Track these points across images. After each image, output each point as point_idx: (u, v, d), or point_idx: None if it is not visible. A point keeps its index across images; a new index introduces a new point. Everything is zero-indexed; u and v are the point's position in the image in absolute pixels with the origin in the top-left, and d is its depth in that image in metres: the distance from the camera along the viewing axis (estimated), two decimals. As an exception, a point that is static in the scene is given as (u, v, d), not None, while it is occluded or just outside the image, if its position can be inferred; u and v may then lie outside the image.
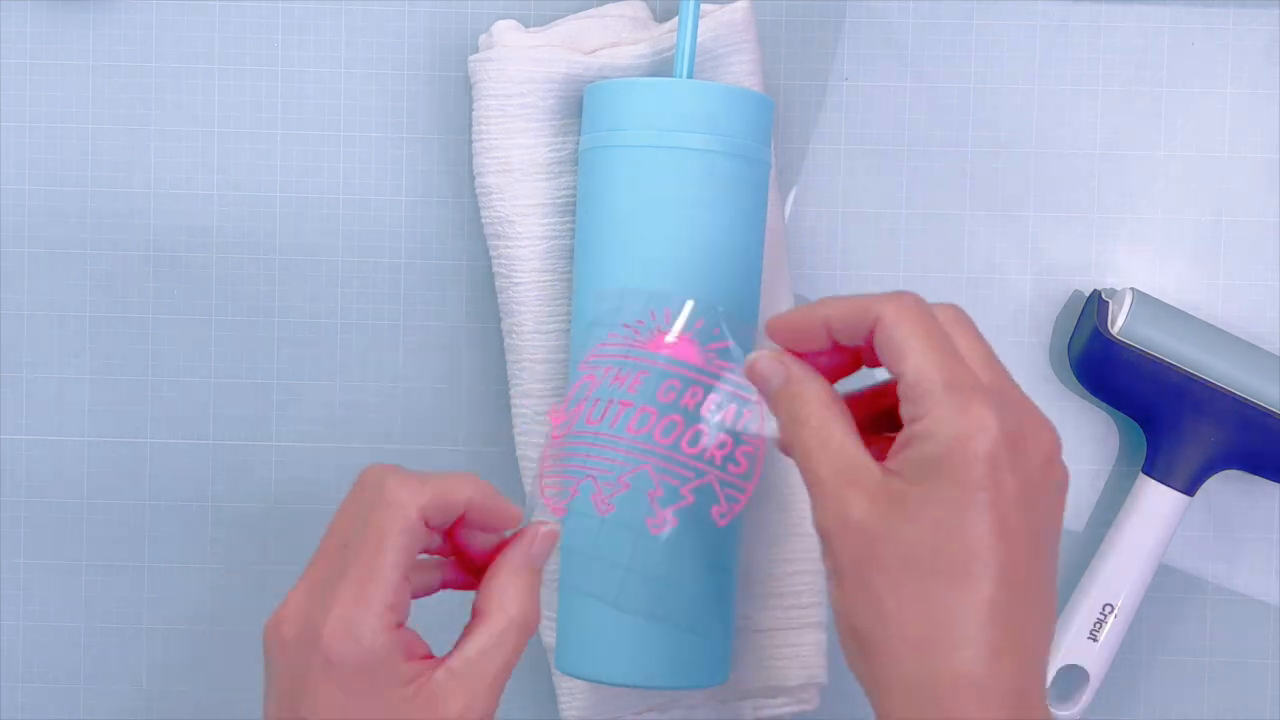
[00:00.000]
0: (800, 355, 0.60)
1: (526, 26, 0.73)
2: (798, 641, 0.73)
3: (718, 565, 0.68)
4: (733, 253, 0.68)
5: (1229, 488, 0.77)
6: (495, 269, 0.74)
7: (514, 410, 0.74)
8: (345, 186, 0.77)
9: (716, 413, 0.62)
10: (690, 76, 0.69)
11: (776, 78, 0.76)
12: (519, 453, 0.75)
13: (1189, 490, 0.74)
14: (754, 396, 0.62)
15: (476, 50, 0.74)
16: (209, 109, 0.77)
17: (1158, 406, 0.74)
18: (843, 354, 0.60)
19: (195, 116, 0.77)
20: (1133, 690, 0.78)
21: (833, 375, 0.60)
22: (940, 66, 0.77)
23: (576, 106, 0.72)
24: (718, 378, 0.62)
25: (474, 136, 0.73)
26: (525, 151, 0.72)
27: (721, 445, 0.62)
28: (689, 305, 0.63)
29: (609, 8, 0.74)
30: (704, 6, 0.72)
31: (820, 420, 0.58)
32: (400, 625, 0.58)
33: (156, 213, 0.77)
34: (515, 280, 0.73)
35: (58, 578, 0.78)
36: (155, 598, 0.78)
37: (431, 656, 0.59)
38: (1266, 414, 0.73)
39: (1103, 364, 0.74)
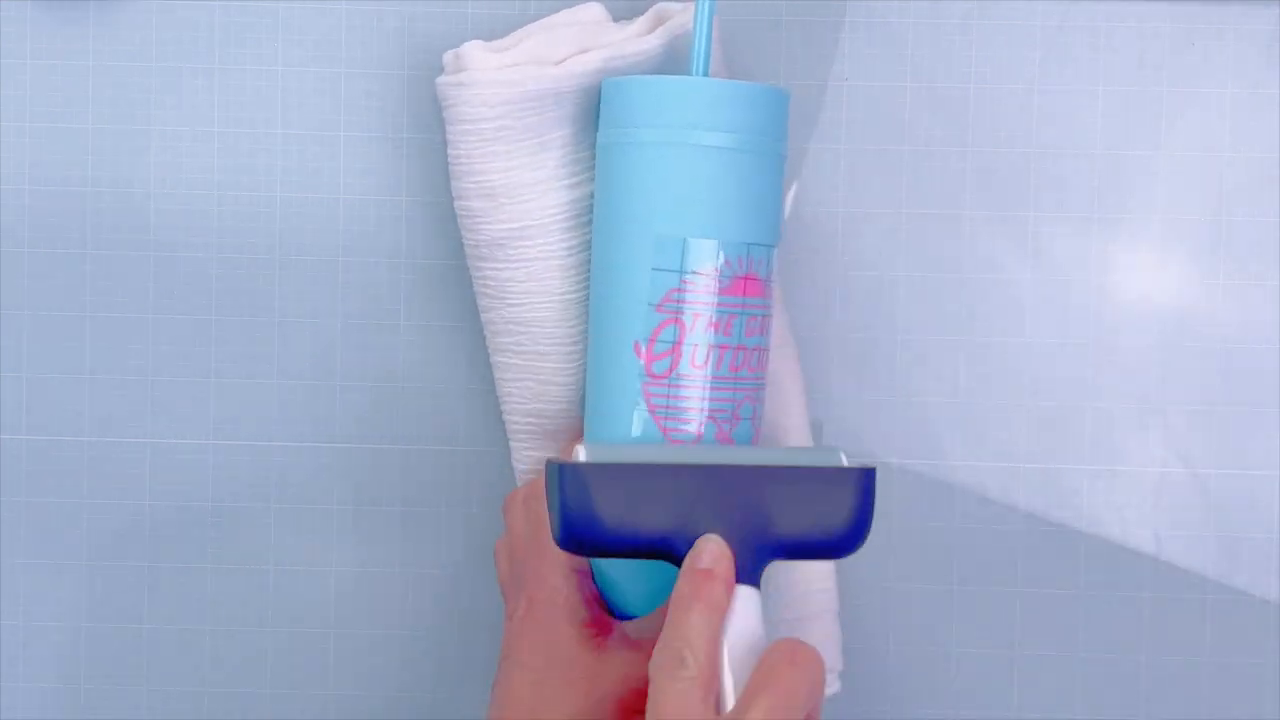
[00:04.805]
0: None
1: (520, 25, 0.73)
2: (811, 629, 0.74)
3: None
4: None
5: (1229, 487, 0.77)
6: (480, 289, 0.74)
7: (509, 426, 0.74)
8: (345, 186, 0.77)
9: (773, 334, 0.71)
10: (706, 74, 0.70)
11: (777, 78, 0.76)
12: (515, 465, 0.75)
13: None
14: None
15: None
16: (209, 109, 0.77)
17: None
18: None
19: (195, 116, 0.77)
20: (1133, 690, 0.78)
21: None
22: (940, 66, 0.77)
23: (552, 122, 0.72)
24: (772, 304, 0.71)
25: (451, 160, 0.72)
26: (506, 174, 0.72)
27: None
28: (746, 249, 0.69)
29: (567, 14, 0.74)
30: (672, 5, 0.72)
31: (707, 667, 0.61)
32: (579, 569, 0.69)
33: (156, 213, 0.77)
34: (510, 302, 0.73)
35: (58, 578, 0.78)
36: (155, 598, 0.78)
37: (613, 620, 0.69)
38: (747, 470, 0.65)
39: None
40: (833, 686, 0.75)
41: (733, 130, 0.68)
